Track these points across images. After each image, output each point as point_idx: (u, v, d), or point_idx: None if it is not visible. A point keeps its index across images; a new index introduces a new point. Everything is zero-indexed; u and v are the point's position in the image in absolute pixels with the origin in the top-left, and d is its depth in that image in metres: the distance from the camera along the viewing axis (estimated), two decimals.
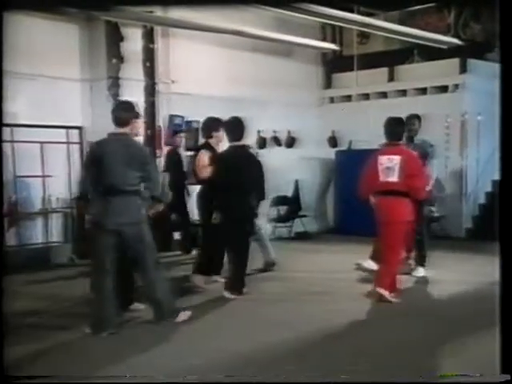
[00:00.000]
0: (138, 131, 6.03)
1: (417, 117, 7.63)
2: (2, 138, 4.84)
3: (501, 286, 3.40)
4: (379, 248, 7.18)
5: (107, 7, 8.25)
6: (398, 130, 6.61)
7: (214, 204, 6.59)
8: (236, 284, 6.52)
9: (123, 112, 5.43)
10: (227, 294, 6.44)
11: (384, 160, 6.43)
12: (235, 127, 6.66)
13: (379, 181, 6.45)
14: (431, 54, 11.41)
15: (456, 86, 11.27)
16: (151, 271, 5.40)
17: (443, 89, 11.45)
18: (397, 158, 6.37)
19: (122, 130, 5.37)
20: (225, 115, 9.00)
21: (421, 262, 7.54)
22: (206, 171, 6.75)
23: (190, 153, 8.98)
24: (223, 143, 7.10)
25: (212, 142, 7.07)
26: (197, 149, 7.44)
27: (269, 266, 8.02)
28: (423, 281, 7.31)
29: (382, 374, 4.25)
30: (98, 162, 5.26)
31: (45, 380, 4.08)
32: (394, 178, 6.36)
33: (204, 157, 6.87)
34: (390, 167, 6.38)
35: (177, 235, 9.83)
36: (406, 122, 7.38)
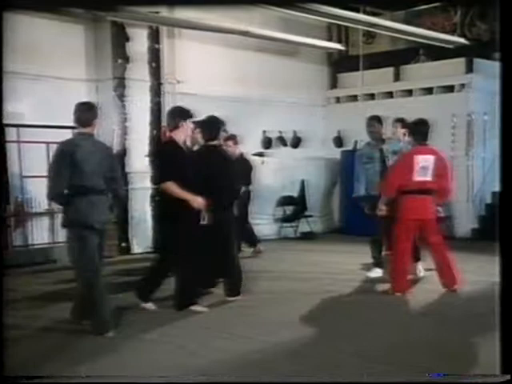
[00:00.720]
0: (187, 135, 6.12)
1: (377, 118, 7.65)
2: (3, 138, 4.87)
3: (501, 286, 3.40)
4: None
5: (110, 7, 8.26)
6: (426, 130, 6.77)
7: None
8: (232, 287, 6.43)
9: (86, 112, 5.33)
10: (226, 297, 6.43)
11: (420, 159, 6.60)
12: (210, 126, 6.45)
13: (412, 180, 6.59)
14: (437, 53, 11.39)
15: (462, 86, 11.25)
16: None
17: (449, 88, 11.43)
18: (431, 158, 6.62)
19: (87, 130, 5.30)
20: (231, 115, 9.02)
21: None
22: None
23: None
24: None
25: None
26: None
27: None
28: (425, 280, 7.28)
29: (384, 373, 4.25)
30: (75, 162, 5.12)
31: (45, 380, 4.07)
32: (427, 177, 6.59)
33: None
34: (424, 167, 6.59)
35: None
36: (366, 124, 7.60)
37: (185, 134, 5.98)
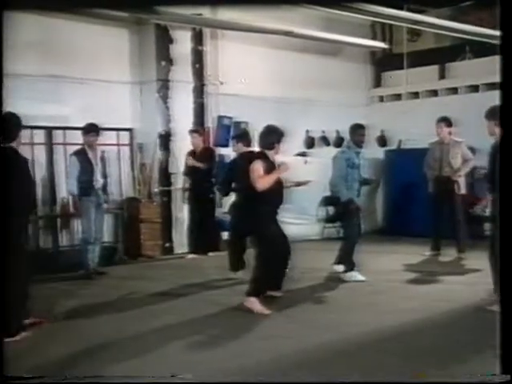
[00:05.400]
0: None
1: (363, 126, 7.73)
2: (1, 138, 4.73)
3: (501, 286, 3.35)
4: None
5: (150, 9, 8.33)
6: None
7: None
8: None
9: None
10: None
11: None
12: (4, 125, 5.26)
13: None
14: (483, 50, 11.15)
15: None
16: None
17: (496, 86, 11.18)
18: None
19: None
20: (273, 116, 9.01)
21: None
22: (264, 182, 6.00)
23: None
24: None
25: (269, 153, 6.24)
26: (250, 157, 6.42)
27: None
28: None
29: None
30: None
31: (45, 380, 4.09)
32: None
33: (260, 167, 6.06)
34: None
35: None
36: (355, 132, 7.65)
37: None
